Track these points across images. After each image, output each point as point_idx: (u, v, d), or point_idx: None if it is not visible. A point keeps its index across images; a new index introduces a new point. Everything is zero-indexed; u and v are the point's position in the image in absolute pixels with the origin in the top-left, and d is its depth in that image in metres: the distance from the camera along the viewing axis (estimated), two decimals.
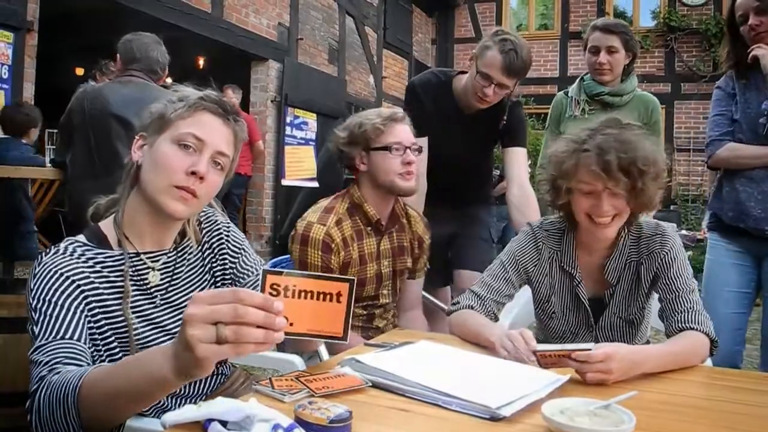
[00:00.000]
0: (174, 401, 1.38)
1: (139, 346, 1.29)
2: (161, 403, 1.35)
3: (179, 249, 1.43)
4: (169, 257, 1.40)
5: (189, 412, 0.98)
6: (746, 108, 2.42)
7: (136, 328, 1.30)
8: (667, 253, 1.68)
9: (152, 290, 1.36)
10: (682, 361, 1.48)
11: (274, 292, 0.92)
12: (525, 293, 1.92)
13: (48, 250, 1.28)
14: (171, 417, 0.98)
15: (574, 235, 1.77)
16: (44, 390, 1.05)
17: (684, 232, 7.83)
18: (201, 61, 8.58)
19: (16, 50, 4.51)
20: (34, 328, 1.17)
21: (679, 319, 1.60)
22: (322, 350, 1.85)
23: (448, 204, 2.71)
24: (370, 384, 1.24)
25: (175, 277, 1.41)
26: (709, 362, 1.64)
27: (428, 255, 2.32)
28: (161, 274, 1.38)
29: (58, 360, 1.11)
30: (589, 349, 1.33)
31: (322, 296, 0.95)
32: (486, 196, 2.97)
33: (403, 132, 2.07)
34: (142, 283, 1.34)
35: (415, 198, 2.36)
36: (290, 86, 7.78)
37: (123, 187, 1.38)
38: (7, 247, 3.91)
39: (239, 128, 1.40)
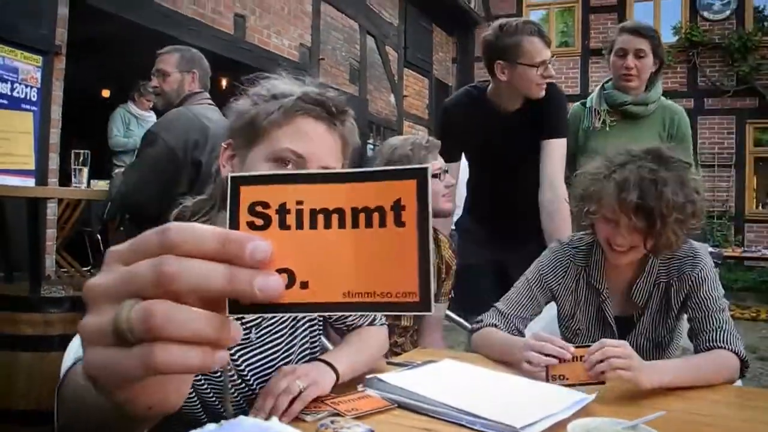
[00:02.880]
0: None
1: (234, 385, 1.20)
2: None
3: None
4: None
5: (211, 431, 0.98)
6: None
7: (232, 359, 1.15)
8: (698, 273, 1.65)
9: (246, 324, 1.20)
10: (704, 377, 1.45)
11: (260, 222, 0.42)
12: (550, 311, 1.90)
13: None
14: None
15: (603, 251, 1.73)
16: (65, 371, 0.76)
17: (710, 249, 7.72)
18: (224, 82, 8.70)
19: (44, 73, 4.61)
20: None
21: (707, 338, 1.57)
22: None
23: (501, 225, 2.64)
24: (396, 405, 1.23)
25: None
26: (739, 383, 1.60)
27: (453, 281, 2.32)
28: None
29: None
30: (589, 345, 1.35)
31: (363, 217, 0.42)
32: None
33: (440, 157, 2.16)
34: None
35: (444, 220, 2.37)
36: None
37: (212, 203, 1.20)
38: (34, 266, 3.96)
39: (348, 131, 1.15)
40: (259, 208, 0.43)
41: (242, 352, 1.24)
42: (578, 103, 2.87)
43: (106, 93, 8.65)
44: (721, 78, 10.44)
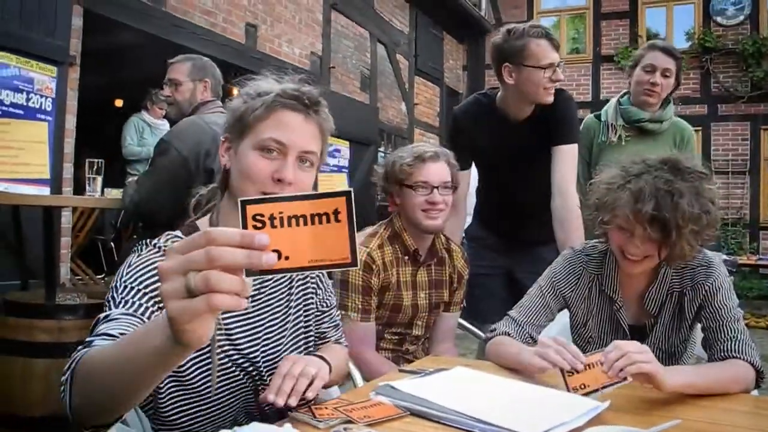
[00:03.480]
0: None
1: (224, 361, 1.27)
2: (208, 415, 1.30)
3: None
4: None
5: None
6: None
7: (222, 337, 1.26)
8: (711, 283, 1.63)
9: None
10: (719, 385, 1.44)
11: (259, 224, 0.74)
12: (563, 318, 1.89)
13: (147, 243, 1.27)
14: None
15: (616, 259, 1.72)
16: (76, 354, 0.97)
17: (724, 256, 7.66)
18: (235, 91, 8.74)
19: (59, 83, 4.65)
20: (110, 304, 1.14)
21: (722, 348, 1.56)
22: (357, 376, 1.85)
23: (510, 232, 2.65)
24: (408, 412, 1.23)
25: (263, 288, 1.36)
26: (755, 393, 1.58)
27: (466, 290, 2.31)
28: (253, 281, 1.31)
29: (113, 329, 1.04)
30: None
31: (317, 218, 0.75)
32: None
33: (433, 171, 2.09)
34: None
35: (453, 229, 2.36)
36: None
37: (218, 191, 1.35)
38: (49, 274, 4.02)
39: (323, 119, 1.31)
40: (258, 217, 0.74)
41: (235, 320, 1.30)
42: (591, 115, 2.90)
43: (119, 102, 8.72)
44: (735, 84, 10.34)
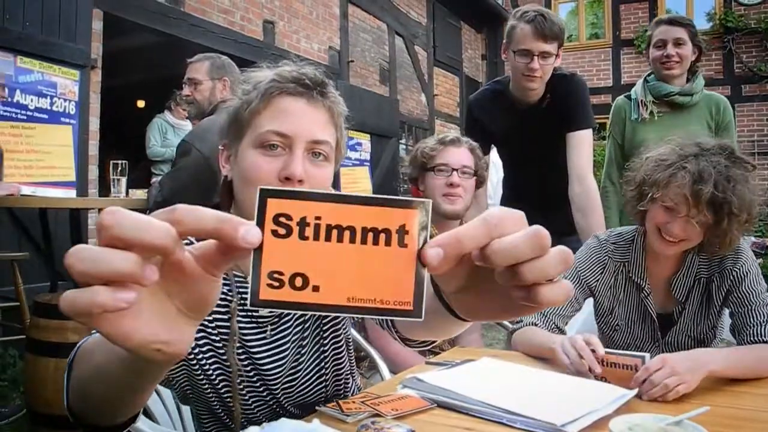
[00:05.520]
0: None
1: (245, 386, 1.17)
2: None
3: None
4: None
5: None
6: None
7: (242, 368, 1.16)
8: (739, 268, 1.61)
9: (263, 322, 1.18)
10: (751, 369, 1.42)
11: (282, 231, 0.47)
12: (588, 307, 1.88)
13: None
14: None
15: (644, 244, 1.70)
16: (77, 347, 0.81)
17: (752, 239, 7.53)
18: None
19: (82, 87, 4.72)
20: None
21: (751, 332, 1.54)
22: (384, 369, 1.85)
23: (534, 222, 2.64)
24: (436, 404, 1.23)
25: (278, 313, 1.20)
26: None
27: None
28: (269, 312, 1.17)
29: None
30: (644, 356, 1.32)
31: (371, 236, 0.48)
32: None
33: (454, 155, 2.09)
34: (252, 313, 1.16)
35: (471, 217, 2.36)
36: None
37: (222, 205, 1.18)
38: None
39: (332, 101, 1.10)
40: (282, 219, 0.48)
41: (259, 347, 1.19)
42: (621, 96, 2.90)
43: (141, 104, 8.82)
44: (758, 64, 10.18)
